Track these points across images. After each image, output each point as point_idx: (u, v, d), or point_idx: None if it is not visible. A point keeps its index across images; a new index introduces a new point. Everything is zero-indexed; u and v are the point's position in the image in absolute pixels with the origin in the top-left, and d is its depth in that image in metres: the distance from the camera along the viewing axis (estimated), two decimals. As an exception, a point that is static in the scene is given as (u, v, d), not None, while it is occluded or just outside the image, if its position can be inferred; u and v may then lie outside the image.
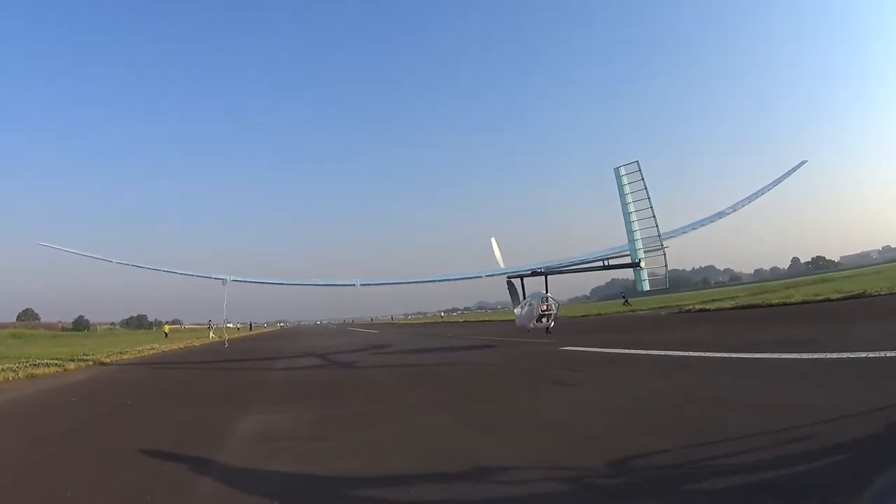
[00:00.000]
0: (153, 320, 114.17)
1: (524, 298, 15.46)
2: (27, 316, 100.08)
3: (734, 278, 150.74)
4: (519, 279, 15.85)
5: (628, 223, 12.97)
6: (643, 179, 12.05)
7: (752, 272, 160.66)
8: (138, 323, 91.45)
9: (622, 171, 12.60)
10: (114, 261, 15.76)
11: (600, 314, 31.25)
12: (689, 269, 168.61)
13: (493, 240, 18.21)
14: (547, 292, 14.70)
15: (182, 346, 27.64)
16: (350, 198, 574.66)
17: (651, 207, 12.01)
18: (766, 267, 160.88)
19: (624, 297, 44.44)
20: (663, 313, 23.64)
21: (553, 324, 15.00)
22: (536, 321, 14.41)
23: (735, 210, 16.36)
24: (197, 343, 31.89)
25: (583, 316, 30.93)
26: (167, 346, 26.64)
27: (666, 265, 12.54)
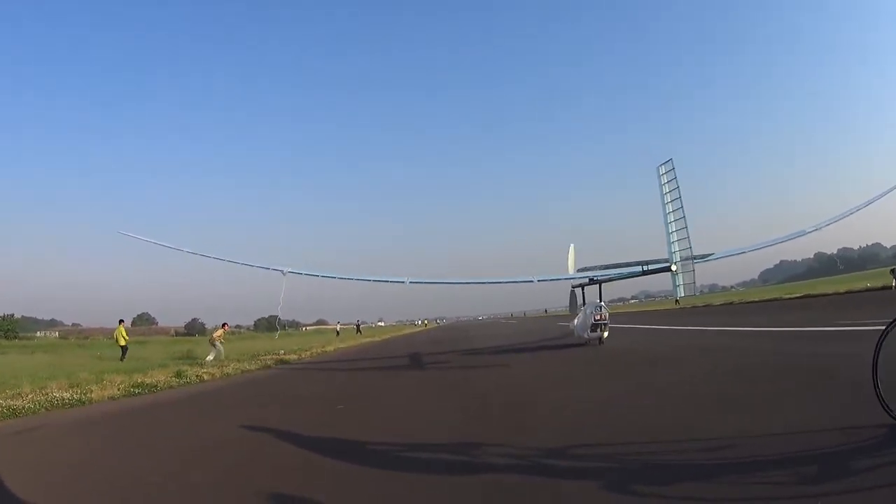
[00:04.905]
0: (288, 321, 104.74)
1: (582, 307, 15.54)
2: (142, 321, 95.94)
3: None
4: (580, 287, 15.97)
5: (666, 224, 12.98)
6: (676, 178, 12.02)
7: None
8: (268, 325, 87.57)
9: (661, 169, 12.63)
10: (185, 250, 15.52)
11: None
12: (855, 247, 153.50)
13: (571, 246, 19.10)
14: (601, 301, 14.70)
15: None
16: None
17: (682, 208, 11.78)
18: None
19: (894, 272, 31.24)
20: None
21: (606, 334, 14.79)
22: (591, 331, 14.42)
23: (818, 229, 16.24)
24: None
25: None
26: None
27: (693, 271, 12.18)
